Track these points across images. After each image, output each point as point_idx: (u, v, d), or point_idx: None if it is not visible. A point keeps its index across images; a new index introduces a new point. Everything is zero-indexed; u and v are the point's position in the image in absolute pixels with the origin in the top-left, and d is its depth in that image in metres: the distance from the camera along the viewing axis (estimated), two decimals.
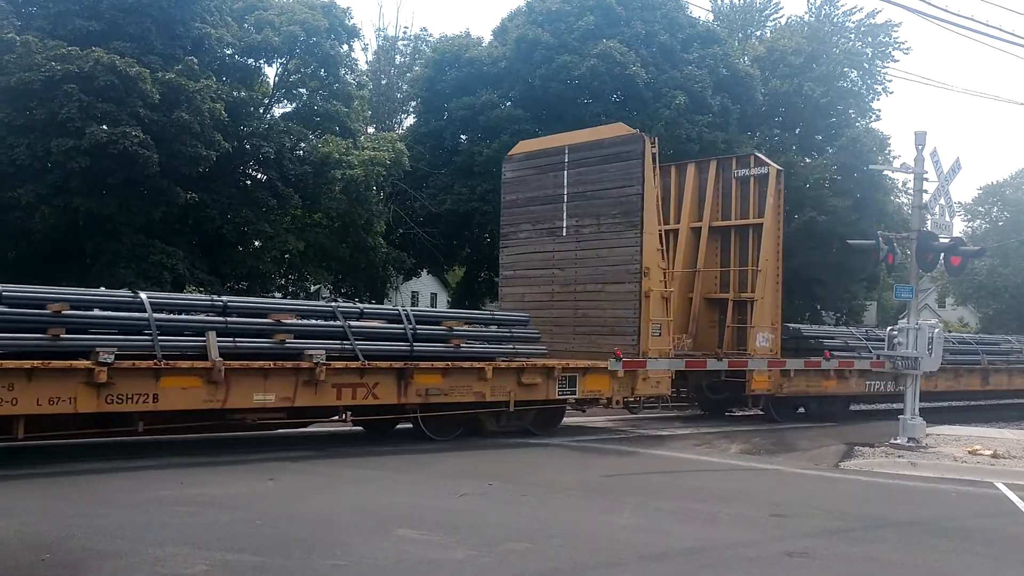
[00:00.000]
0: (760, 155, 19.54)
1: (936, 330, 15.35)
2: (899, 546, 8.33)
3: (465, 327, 14.96)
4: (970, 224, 59.59)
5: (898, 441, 14.89)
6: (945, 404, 23.84)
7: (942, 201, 15.68)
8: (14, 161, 23.90)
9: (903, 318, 16.08)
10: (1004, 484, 11.99)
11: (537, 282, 18.13)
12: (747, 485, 11.74)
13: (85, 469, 10.89)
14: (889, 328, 16.00)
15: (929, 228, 15.59)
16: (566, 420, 16.72)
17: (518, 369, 14.74)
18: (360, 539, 7.82)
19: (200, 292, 26.48)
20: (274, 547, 7.44)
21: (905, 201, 47.93)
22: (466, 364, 14.20)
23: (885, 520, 9.62)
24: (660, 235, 16.58)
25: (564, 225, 17.61)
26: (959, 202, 57.61)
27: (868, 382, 20.35)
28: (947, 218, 15.75)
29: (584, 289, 17.16)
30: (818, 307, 45.54)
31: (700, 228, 20.49)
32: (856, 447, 14.76)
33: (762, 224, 19.26)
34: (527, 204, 18.45)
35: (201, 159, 25.93)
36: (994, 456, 13.93)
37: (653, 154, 16.22)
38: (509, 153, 19.76)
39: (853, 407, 21.73)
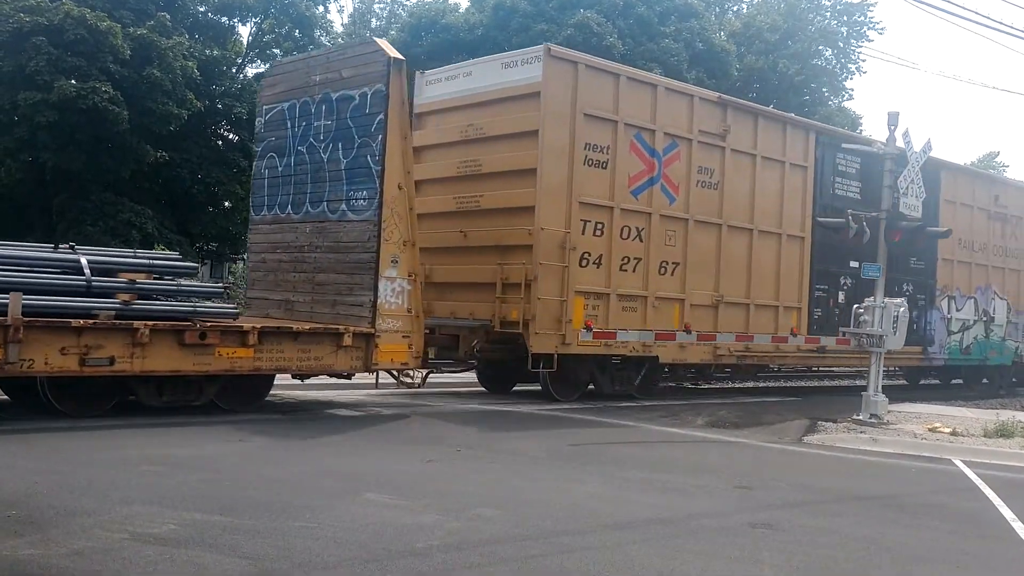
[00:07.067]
0: None
1: (901, 309, 15.53)
2: (860, 519, 8.49)
3: None
4: None
5: (860, 417, 15.12)
6: None
7: (912, 181, 15.82)
8: None
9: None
10: (962, 461, 12.23)
11: None
12: (712, 457, 11.88)
13: (50, 427, 10.81)
14: (856, 306, 16.15)
15: (900, 208, 15.77)
16: None
17: None
18: (329, 502, 7.84)
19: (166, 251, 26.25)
20: (243, 508, 7.44)
21: None
22: None
23: (847, 494, 9.80)
24: None
25: None
26: None
27: None
28: (916, 199, 15.91)
29: None
30: None
31: None
32: (819, 422, 14.97)
33: None
34: None
35: (172, 117, 25.61)
36: (953, 434, 14.18)
37: None
38: None
39: None
